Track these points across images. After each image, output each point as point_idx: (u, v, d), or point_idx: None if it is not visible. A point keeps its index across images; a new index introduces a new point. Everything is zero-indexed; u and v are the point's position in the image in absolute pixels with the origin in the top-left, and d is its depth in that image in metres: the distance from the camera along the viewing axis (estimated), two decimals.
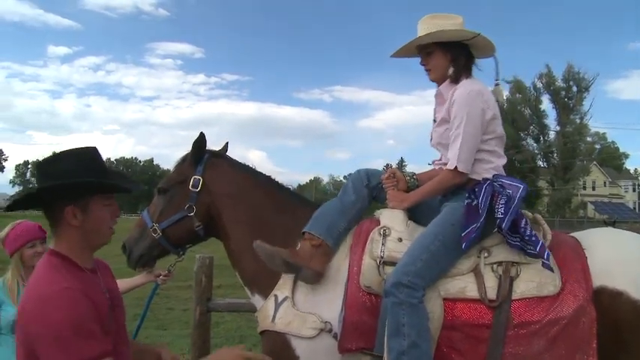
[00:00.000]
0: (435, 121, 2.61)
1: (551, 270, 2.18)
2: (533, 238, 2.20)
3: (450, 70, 2.45)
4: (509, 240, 2.26)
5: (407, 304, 2.10)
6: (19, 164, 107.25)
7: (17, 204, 1.68)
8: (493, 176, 2.39)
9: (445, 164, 2.50)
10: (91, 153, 1.71)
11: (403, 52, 2.58)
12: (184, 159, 2.79)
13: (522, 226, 2.22)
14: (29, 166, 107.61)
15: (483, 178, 2.38)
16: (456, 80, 2.44)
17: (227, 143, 3.00)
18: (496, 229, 2.30)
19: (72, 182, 1.59)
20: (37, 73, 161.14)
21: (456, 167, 2.35)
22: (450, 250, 2.25)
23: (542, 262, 2.17)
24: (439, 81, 2.52)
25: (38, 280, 1.56)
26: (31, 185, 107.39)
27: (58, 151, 1.74)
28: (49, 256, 1.63)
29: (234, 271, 2.73)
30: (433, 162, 2.71)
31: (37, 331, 1.44)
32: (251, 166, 2.89)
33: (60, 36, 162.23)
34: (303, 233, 2.45)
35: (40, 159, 1.70)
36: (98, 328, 1.49)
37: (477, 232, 2.21)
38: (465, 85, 2.40)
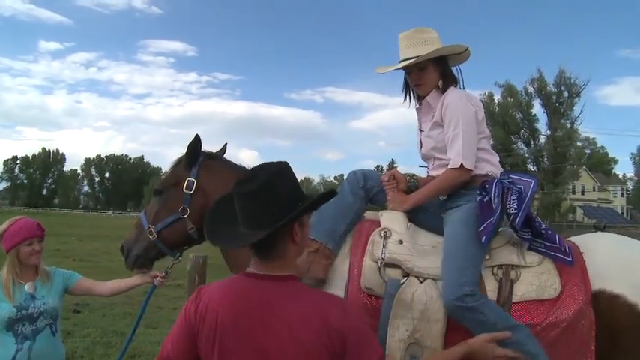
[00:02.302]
0: (421, 130, 2.65)
1: (571, 263, 2.21)
2: (550, 232, 2.24)
3: (440, 83, 2.54)
4: (520, 235, 2.29)
5: (480, 305, 2.09)
6: (8, 160, 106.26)
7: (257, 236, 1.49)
8: (501, 174, 2.42)
9: (443, 167, 2.50)
10: (290, 169, 1.63)
11: (390, 68, 2.61)
12: (179, 161, 2.73)
13: (537, 221, 2.26)
14: (18, 161, 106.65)
15: (487, 173, 2.43)
16: (444, 90, 2.52)
17: (225, 145, 2.94)
18: (501, 228, 2.34)
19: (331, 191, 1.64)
20: (27, 68, 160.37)
21: (461, 164, 2.36)
22: (482, 251, 2.27)
23: (562, 257, 2.21)
24: (427, 94, 2.58)
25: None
26: (19, 181, 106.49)
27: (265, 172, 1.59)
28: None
29: (230, 273, 2.68)
30: (427, 173, 2.71)
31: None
32: (247, 167, 2.84)
33: (51, 31, 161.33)
34: None
35: (253, 186, 1.58)
36: None
37: (494, 224, 2.23)
38: (454, 91, 2.50)
